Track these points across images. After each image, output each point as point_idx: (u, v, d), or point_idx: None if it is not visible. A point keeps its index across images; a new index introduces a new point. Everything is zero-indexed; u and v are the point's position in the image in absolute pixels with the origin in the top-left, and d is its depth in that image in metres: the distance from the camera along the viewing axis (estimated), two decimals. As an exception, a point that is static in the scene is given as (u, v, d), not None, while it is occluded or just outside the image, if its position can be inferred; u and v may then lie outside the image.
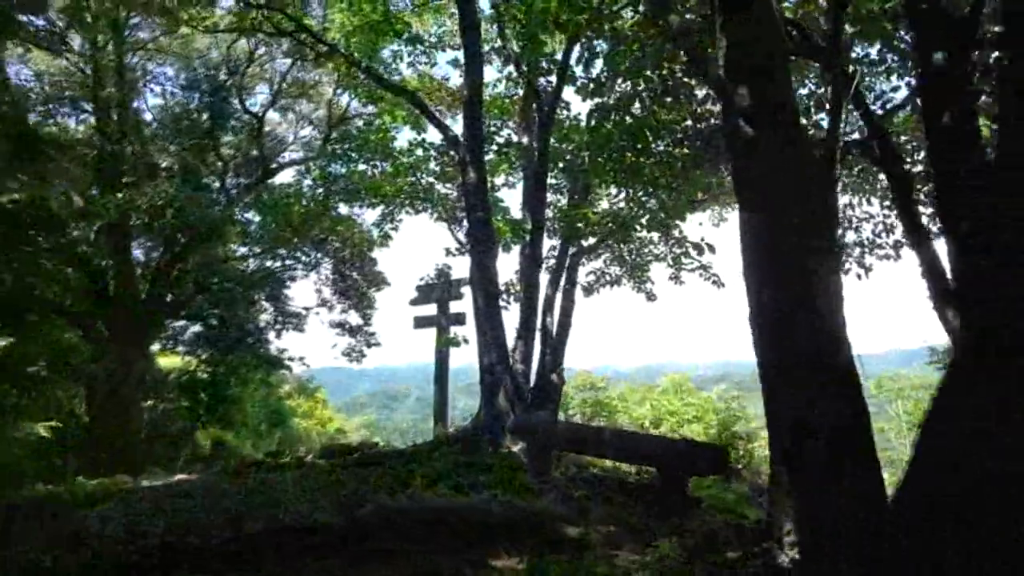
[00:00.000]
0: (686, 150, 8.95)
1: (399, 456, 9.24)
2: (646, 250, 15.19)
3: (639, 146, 9.02)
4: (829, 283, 4.03)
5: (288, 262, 17.75)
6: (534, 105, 10.42)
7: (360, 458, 9.21)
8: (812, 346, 3.83)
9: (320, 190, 13.38)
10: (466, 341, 9.47)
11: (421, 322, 11.33)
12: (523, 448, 8.81)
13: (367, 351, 18.77)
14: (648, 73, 7.68)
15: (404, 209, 15.64)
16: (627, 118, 8.70)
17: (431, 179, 14.58)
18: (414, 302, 11.46)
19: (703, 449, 7.52)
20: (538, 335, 10.39)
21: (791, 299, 3.92)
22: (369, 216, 20.87)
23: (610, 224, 9.75)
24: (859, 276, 12.27)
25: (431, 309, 11.28)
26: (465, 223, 14.97)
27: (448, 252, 11.94)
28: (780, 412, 4.05)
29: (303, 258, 17.63)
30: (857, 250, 11.96)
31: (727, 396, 26.72)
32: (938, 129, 4.48)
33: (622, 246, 14.61)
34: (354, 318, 18.48)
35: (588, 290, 14.16)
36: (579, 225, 9.82)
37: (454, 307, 11.00)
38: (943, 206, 4.77)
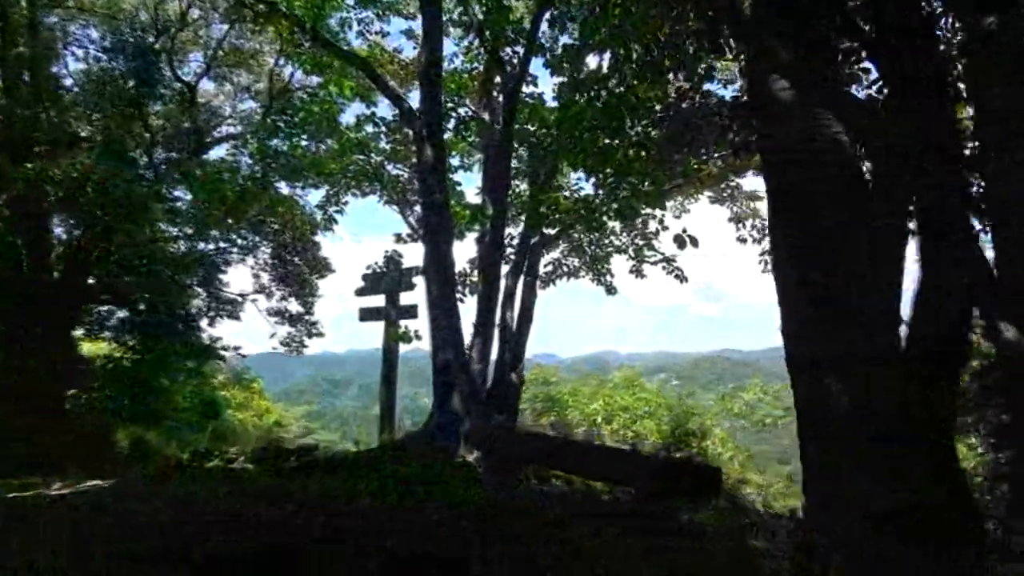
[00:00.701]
0: (664, 132, 8.19)
1: (341, 463, 8.30)
2: (607, 241, 14.54)
3: (613, 126, 8.24)
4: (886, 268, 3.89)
5: (223, 245, 16.42)
6: (497, 79, 9.52)
7: (298, 462, 8.24)
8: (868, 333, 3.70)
9: (258, 167, 12.21)
10: (418, 336, 8.58)
11: (368, 314, 10.34)
12: (480, 457, 7.97)
13: (308, 341, 17.66)
14: (630, 43, 6.87)
15: (350, 190, 14.63)
16: (602, 93, 7.89)
17: (380, 158, 13.59)
18: (361, 292, 10.46)
19: (694, 470, 6.77)
20: (496, 330, 9.56)
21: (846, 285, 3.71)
22: (312, 198, 19.70)
23: (581, 210, 8.91)
24: None
25: (379, 300, 10.30)
26: (418, 207, 14.10)
27: (399, 238, 10.96)
28: (828, 399, 3.78)
29: (239, 241, 16.33)
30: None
31: (682, 392, 26.46)
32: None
33: (583, 236, 13.89)
34: (294, 306, 17.32)
35: (545, 281, 13.38)
36: (542, 211, 8.98)
37: (405, 298, 10.05)
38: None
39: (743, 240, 13.63)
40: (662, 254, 14.27)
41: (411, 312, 9.83)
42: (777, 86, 3.83)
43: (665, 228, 13.19)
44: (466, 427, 8.12)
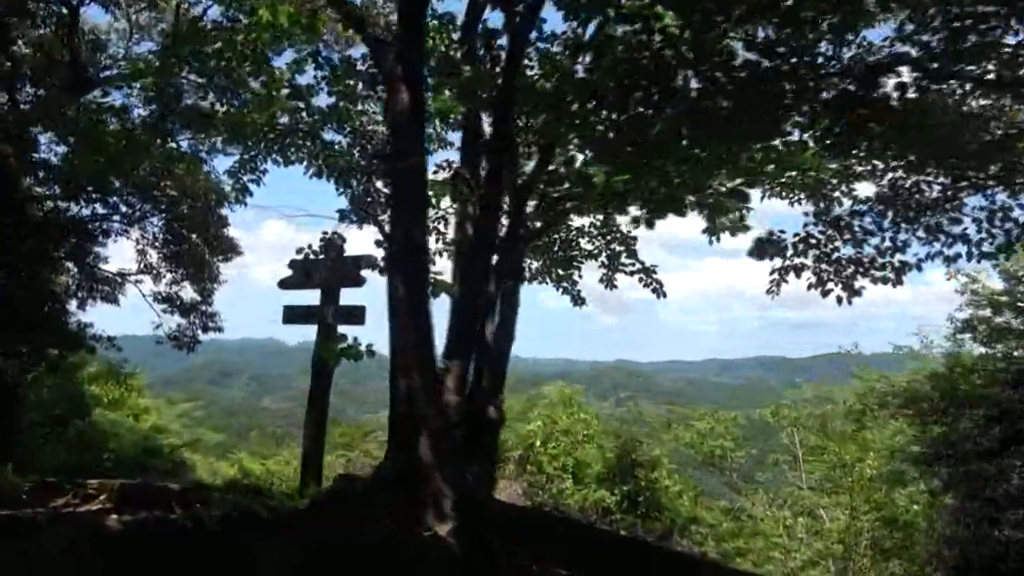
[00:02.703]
0: (723, 101, 6.10)
1: (250, 526, 5.78)
2: (578, 243, 12.43)
3: (654, 90, 6.08)
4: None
5: (101, 211, 13.23)
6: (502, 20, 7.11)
7: (177, 532, 5.63)
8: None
9: (153, 108, 9.33)
10: (371, 352, 6.10)
11: (295, 315, 7.72)
12: (453, 531, 5.63)
13: (202, 336, 14.65)
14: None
15: (271, 156, 11.82)
16: (644, 37, 5.73)
17: (314, 117, 10.98)
18: (287, 284, 7.83)
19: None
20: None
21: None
22: (220, 164, 16.59)
23: (599, 194, 6.53)
24: (840, 300, 10.13)
25: (311, 296, 7.74)
26: (356, 186, 11.54)
27: (344, 216, 8.38)
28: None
29: (123, 208, 13.19)
30: (851, 268, 9.77)
31: (628, 411, 24.70)
32: None
33: (558, 236, 11.74)
34: (189, 292, 14.28)
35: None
36: (550, 192, 6.62)
37: (347, 296, 7.52)
38: None
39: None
40: (641, 263, 12.24)
41: (356, 316, 7.31)
42: None
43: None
44: (437, 483, 5.74)
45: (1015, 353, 12.25)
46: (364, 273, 7.38)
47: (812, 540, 16.56)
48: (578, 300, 12.70)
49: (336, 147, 11.64)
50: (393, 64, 6.16)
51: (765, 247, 9.75)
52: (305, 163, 11.97)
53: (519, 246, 7.35)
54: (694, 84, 6.00)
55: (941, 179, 8.97)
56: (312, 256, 7.75)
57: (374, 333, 6.65)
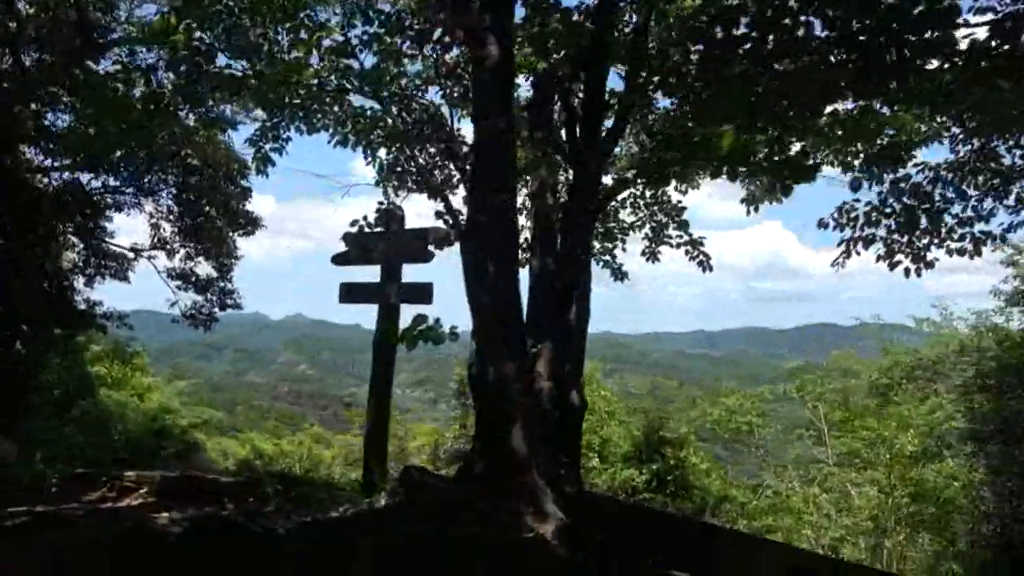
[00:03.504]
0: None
1: (337, 528, 5.22)
2: (617, 215, 11.82)
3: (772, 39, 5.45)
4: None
5: (112, 183, 12.45)
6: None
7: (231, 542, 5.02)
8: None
9: (178, 74, 8.55)
10: (455, 335, 5.51)
11: (354, 293, 7.06)
12: (557, 531, 5.09)
13: (220, 314, 13.98)
14: None
15: (295, 123, 11.09)
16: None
17: (348, 78, 10.28)
18: (341, 259, 7.17)
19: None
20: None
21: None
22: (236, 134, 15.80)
23: (724, 157, 5.76)
24: (908, 272, 9.64)
25: (370, 273, 7.09)
26: (387, 155, 10.88)
27: (400, 187, 7.71)
28: None
29: (136, 179, 12.40)
30: (926, 239, 9.25)
31: (660, 390, 24.29)
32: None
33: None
34: (205, 268, 13.56)
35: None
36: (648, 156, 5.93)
37: (410, 273, 6.87)
38: None
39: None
40: (689, 235, 11.68)
41: (422, 294, 6.68)
42: None
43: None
44: (534, 478, 5.19)
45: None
46: (431, 247, 6.75)
47: (841, 517, 16.28)
48: (619, 275, 12.13)
49: (369, 112, 10.95)
50: (479, 13, 5.48)
51: (840, 218, 9.21)
52: (331, 130, 11.26)
53: (592, 215, 6.73)
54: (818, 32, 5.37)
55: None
56: (367, 229, 7.11)
57: (435, 313, 6.05)
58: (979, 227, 8.85)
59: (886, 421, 15.50)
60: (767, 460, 18.21)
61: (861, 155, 8.63)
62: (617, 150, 9.04)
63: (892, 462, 15.07)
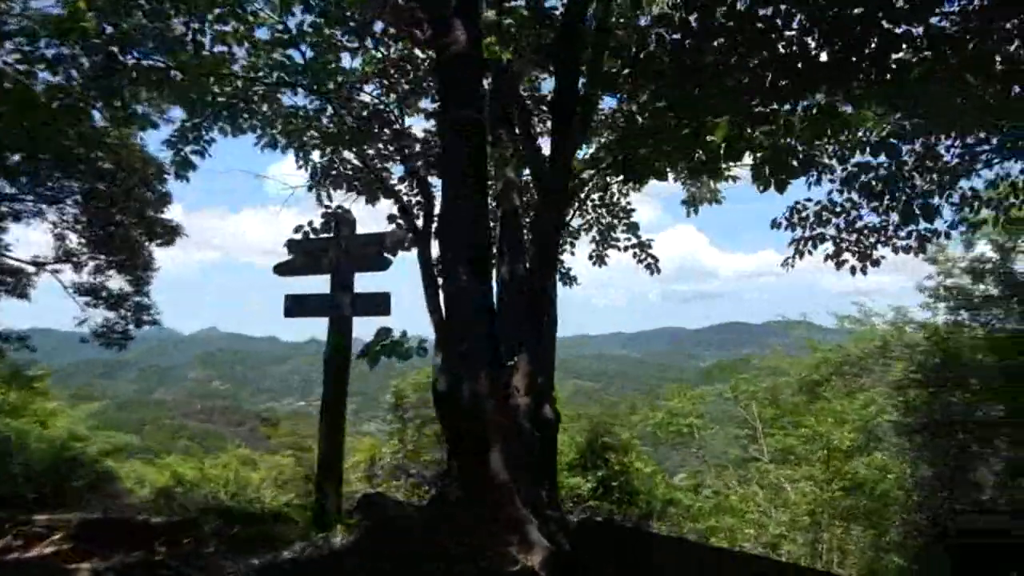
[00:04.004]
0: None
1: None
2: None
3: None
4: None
5: (9, 189, 11.23)
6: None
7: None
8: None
9: (92, 62, 7.68)
10: (423, 350, 5.00)
11: (302, 307, 6.36)
12: (546, 561, 4.64)
13: (134, 331, 12.89)
14: None
15: (220, 123, 10.26)
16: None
17: (277, 74, 9.61)
18: (284, 269, 6.48)
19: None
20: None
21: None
22: (151, 136, 14.70)
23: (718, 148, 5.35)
24: (854, 270, 9.78)
25: (318, 283, 6.43)
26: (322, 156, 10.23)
27: (349, 188, 7.09)
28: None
29: (37, 185, 11.23)
30: (873, 237, 9.33)
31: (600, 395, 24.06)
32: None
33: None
34: (118, 282, 12.44)
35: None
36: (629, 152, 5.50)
37: (363, 283, 6.23)
38: None
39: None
40: (638, 236, 11.54)
41: (378, 305, 6.08)
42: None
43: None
44: (517, 506, 4.72)
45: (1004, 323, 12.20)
46: (387, 254, 6.18)
47: (779, 513, 16.48)
48: (568, 280, 11.83)
49: (302, 111, 10.29)
50: (441, -5, 4.99)
51: (791, 217, 9.16)
52: (258, 131, 10.52)
53: (562, 215, 6.35)
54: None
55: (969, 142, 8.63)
56: (312, 235, 6.50)
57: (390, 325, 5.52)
58: (924, 225, 8.94)
59: (821, 417, 15.76)
60: (707, 460, 18.32)
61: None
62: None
63: (829, 457, 15.36)
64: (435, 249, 6.06)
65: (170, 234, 11.82)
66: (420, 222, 6.44)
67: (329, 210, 6.86)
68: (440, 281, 5.38)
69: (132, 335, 12.66)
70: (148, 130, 9.19)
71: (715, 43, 5.41)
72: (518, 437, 5.05)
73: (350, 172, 10.57)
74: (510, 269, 5.66)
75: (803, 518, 16.30)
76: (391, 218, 6.74)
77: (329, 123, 10.37)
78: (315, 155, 10.52)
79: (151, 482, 16.83)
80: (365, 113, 8.98)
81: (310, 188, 10.68)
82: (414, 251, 6.27)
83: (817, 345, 20.27)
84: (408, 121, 8.29)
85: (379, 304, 5.97)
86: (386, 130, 7.64)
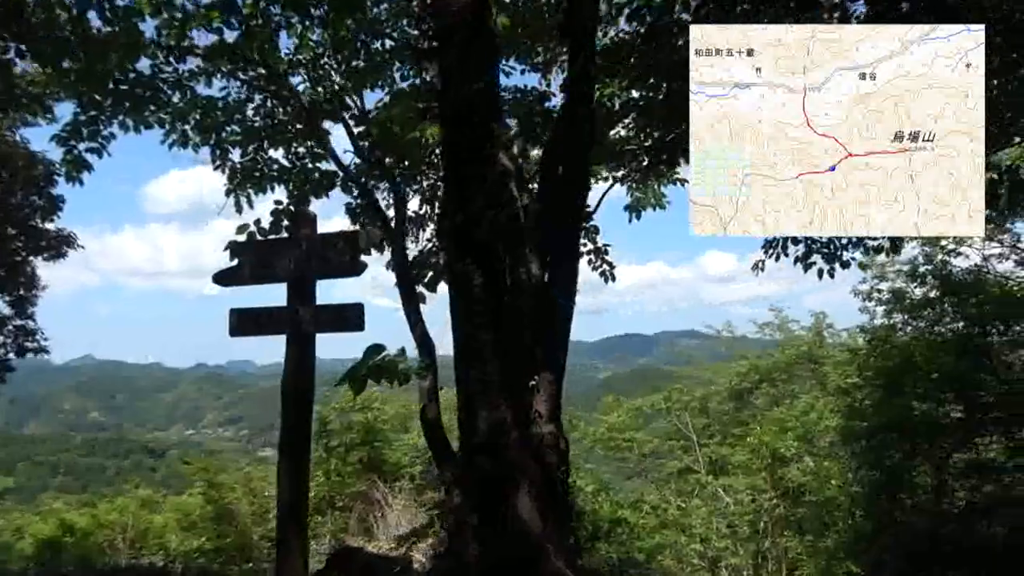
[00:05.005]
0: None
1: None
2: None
3: None
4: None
5: None
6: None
7: None
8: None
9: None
10: (422, 373, 4.00)
11: (250, 324, 5.12)
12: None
13: (15, 359, 11.07)
14: None
15: (118, 117, 8.87)
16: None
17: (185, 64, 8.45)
18: (226, 278, 5.26)
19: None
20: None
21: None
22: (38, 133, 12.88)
23: None
24: (821, 273, 9.57)
25: (271, 293, 5.24)
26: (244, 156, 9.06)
27: (301, 185, 5.97)
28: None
29: None
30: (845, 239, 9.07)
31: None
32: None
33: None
34: (-4, 304, 10.60)
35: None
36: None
37: (327, 292, 5.12)
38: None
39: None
40: (595, 241, 10.80)
41: (349, 318, 4.97)
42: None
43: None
44: (554, 565, 3.81)
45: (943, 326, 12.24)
46: (362, 256, 5.11)
47: (719, 524, 16.19)
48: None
49: (220, 102, 9.07)
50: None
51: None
52: (167, 127, 9.18)
53: (583, 209, 5.51)
54: None
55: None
56: (259, 235, 5.36)
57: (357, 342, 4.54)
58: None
59: (766, 425, 15.60)
60: (646, 474, 17.87)
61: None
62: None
63: (772, 465, 15.18)
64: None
65: (61, 246, 10.11)
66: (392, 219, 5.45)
67: (280, 206, 5.72)
68: (434, 287, 4.42)
69: (13, 366, 10.81)
70: (38, 120, 7.73)
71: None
72: (544, 474, 4.14)
73: (275, 173, 9.41)
74: (522, 269, 4.76)
75: (743, 528, 16.09)
76: (355, 211, 5.68)
77: (255, 116, 9.20)
78: (236, 155, 9.34)
79: (33, 534, 14.66)
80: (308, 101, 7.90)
81: (228, 192, 9.44)
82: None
83: (744, 353, 20.34)
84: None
85: (349, 318, 4.90)
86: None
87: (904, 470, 11.88)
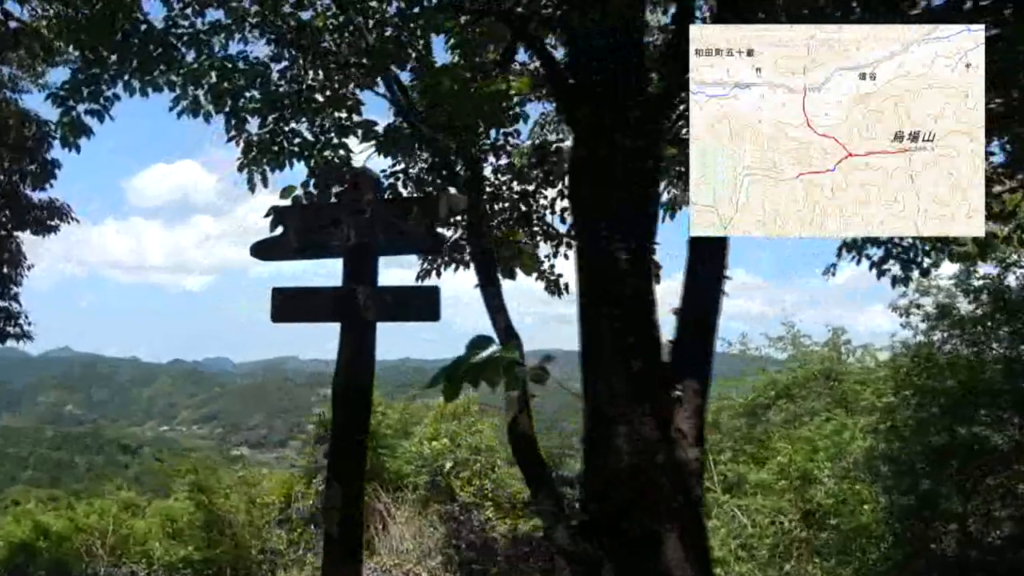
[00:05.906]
0: None
1: None
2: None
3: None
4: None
5: None
6: None
7: None
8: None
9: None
10: (541, 374, 3.09)
11: (297, 308, 4.08)
12: None
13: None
14: None
15: (123, 78, 7.82)
16: None
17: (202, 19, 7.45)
18: (266, 251, 4.25)
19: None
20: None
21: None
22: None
23: None
24: (895, 281, 8.86)
25: (327, 272, 4.22)
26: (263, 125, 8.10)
27: (369, 132, 4.98)
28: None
29: None
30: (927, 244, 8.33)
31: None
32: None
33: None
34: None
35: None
36: None
37: (383, 274, 4.06)
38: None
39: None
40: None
41: (421, 305, 3.97)
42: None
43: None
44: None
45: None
46: (440, 226, 4.11)
47: (737, 548, 15.35)
48: (552, 288, 9.96)
49: (233, 65, 8.01)
50: None
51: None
52: (177, 90, 8.13)
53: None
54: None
55: None
56: (310, 199, 4.38)
57: (412, 334, 3.60)
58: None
59: (798, 445, 14.77)
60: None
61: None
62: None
63: (803, 487, 14.35)
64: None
65: (54, 218, 8.99)
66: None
67: (336, 163, 4.75)
68: (576, 263, 3.48)
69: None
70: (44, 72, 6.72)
71: None
72: (694, 515, 3.20)
73: (296, 148, 8.39)
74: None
75: (762, 553, 15.26)
76: (420, 179, 4.70)
77: (280, 80, 8.18)
78: (253, 125, 8.32)
79: (5, 536, 13.50)
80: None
81: (240, 168, 8.40)
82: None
83: (761, 370, 19.52)
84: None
85: (422, 305, 3.95)
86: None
87: (939, 496, 11.21)
